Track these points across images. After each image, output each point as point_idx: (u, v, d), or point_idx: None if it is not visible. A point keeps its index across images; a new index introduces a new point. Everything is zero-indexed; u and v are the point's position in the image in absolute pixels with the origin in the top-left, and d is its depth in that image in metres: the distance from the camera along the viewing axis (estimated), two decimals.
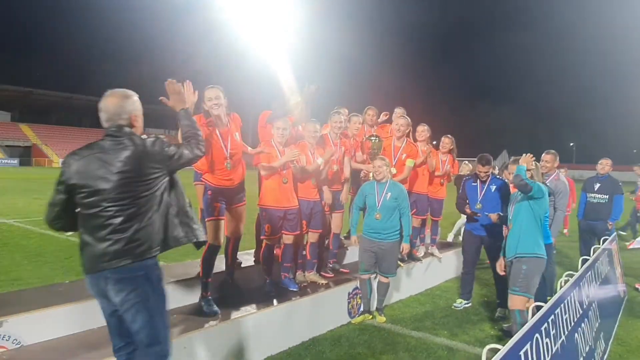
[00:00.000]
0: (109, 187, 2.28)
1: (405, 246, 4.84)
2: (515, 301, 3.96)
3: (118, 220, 2.30)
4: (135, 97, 2.51)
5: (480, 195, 5.20)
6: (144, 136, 2.45)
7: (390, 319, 4.96)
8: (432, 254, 6.37)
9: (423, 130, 5.95)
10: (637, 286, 6.54)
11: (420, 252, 6.27)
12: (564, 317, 3.00)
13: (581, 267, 4.48)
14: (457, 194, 5.63)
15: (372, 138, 5.36)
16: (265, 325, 3.93)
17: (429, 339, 4.45)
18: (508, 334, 4.60)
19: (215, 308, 3.77)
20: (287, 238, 4.56)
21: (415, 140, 5.90)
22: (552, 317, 2.75)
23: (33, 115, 65.34)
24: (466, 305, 5.41)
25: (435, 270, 6.37)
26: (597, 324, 3.92)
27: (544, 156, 5.49)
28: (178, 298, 3.98)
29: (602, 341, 4.04)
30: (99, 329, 3.43)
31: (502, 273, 4.46)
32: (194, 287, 4.07)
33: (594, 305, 3.97)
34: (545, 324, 2.60)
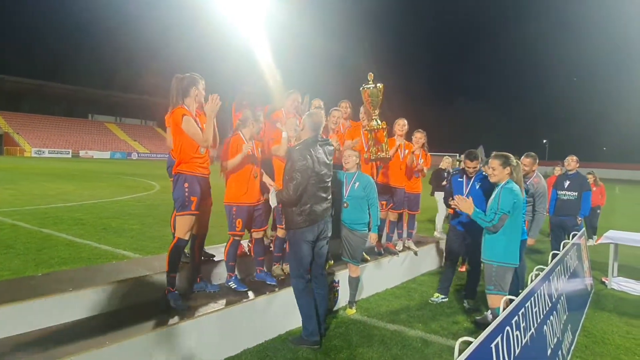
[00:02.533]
0: (329, 169, 4.03)
1: (373, 236, 4.83)
2: (492, 300, 4.06)
3: (329, 188, 4.07)
4: None
5: (465, 191, 5.25)
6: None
7: (366, 312, 5.03)
8: (408, 248, 6.46)
9: (404, 124, 6.00)
10: (603, 280, 6.78)
11: (399, 246, 6.35)
12: (534, 310, 3.09)
13: (551, 261, 4.62)
14: (431, 187, 5.73)
15: (369, 86, 5.21)
16: (241, 319, 3.94)
17: (404, 331, 4.53)
18: (480, 326, 4.73)
19: (183, 303, 3.73)
20: (258, 233, 4.56)
21: (394, 133, 5.96)
22: (523, 310, 2.84)
23: (4, 102, 63.21)
24: (443, 300, 5.50)
25: (411, 264, 6.46)
26: (565, 317, 4.05)
27: (522, 159, 5.54)
28: (152, 291, 3.94)
29: (570, 333, 4.19)
30: (72, 323, 3.40)
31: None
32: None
33: (562, 298, 4.10)
34: (516, 317, 2.68)
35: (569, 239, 5.61)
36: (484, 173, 5.33)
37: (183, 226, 3.75)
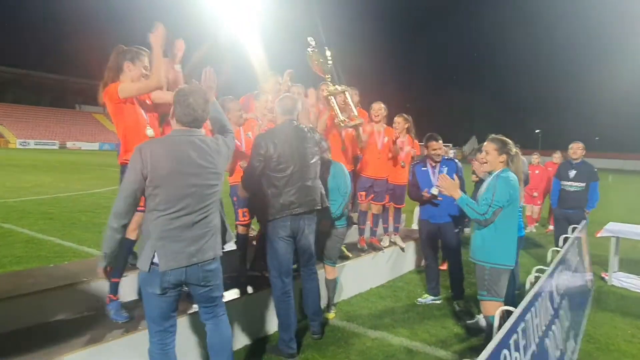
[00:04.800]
0: (303, 156, 3.55)
1: (324, 223, 4.16)
2: (486, 307, 3.49)
3: (308, 179, 3.58)
4: None
5: (434, 179, 4.81)
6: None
7: (347, 315, 4.53)
8: (394, 243, 5.95)
9: (379, 108, 5.40)
10: (603, 275, 6.34)
11: (384, 242, 5.84)
12: (535, 323, 2.60)
13: (551, 259, 4.14)
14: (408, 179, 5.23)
15: (311, 50, 4.48)
16: (196, 331, 3.41)
17: (386, 339, 4.03)
18: (472, 331, 4.25)
19: (125, 314, 3.18)
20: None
21: (370, 119, 5.42)
22: (522, 324, 2.34)
23: None
24: (433, 301, 5.01)
25: (397, 261, 5.97)
26: (567, 324, 3.58)
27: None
28: (93, 299, 3.39)
29: (572, 340, 3.71)
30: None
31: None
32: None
33: (564, 302, 3.61)
34: (515, 335, 2.18)
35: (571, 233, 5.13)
36: (446, 157, 4.91)
37: (130, 223, 3.21)
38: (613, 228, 6.43)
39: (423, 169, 4.91)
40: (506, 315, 2.70)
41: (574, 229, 5.24)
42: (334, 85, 4.55)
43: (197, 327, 3.26)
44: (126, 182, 2.41)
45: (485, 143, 3.49)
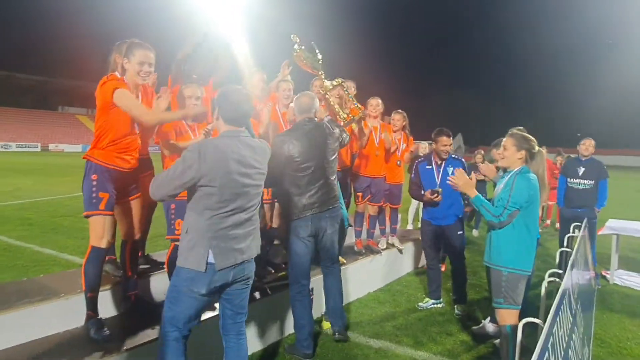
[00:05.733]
0: (322, 154, 3.53)
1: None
2: (502, 315, 3.23)
3: (324, 177, 3.53)
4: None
5: (438, 179, 4.59)
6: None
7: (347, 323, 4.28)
8: (392, 245, 5.72)
9: (377, 104, 5.15)
10: (604, 273, 6.20)
11: (382, 244, 5.61)
12: (560, 335, 2.38)
13: (560, 259, 3.95)
14: (410, 176, 5.00)
15: (298, 48, 4.15)
16: (199, 341, 3.14)
17: (390, 349, 3.79)
18: (479, 337, 4.04)
19: (107, 332, 2.88)
20: None
21: (367, 115, 5.16)
22: (551, 339, 2.11)
23: None
24: (434, 305, 4.80)
25: (395, 263, 5.74)
26: (582, 329, 3.37)
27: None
28: (70, 318, 3.09)
29: (586, 347, 3.52)
30: None
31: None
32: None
33: (578, 306, 3.41)
34: (547, 354, 1.95)
35: (577, 233, 4.95)
36: (453, 156, 4.68)
37: (94, 230, 2.95)
38: (614, 225, 6.30)
39: (428, 167, 4.69)
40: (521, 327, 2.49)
41: (577, 228, 5.06)
42: (329, 80, 4.27)
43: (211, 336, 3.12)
44: (179, 175, 2.35)
45: (505, 138, 3.25)
